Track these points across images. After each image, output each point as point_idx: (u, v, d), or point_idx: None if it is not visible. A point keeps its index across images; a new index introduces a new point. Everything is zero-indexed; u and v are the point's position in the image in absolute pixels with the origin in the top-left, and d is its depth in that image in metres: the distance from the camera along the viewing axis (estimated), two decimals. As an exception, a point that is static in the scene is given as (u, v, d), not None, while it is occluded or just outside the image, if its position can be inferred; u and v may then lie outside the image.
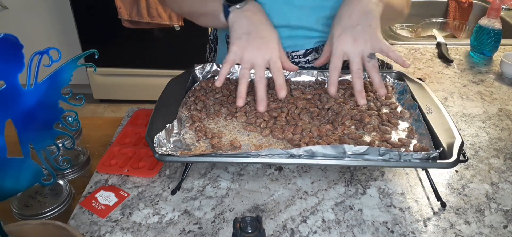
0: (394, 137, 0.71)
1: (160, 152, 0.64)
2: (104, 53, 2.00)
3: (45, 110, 0.54)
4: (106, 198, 0.68)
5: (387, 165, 0.63)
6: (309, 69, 0.89)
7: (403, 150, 0.67)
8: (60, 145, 0.59)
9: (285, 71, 0.88)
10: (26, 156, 0.53)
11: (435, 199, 0.68)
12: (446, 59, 1.18)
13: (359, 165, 0.63)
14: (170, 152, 0.65)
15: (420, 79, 0.84)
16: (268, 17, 0.80)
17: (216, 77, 0.89)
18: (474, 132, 0.87)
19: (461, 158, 0.63)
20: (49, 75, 0.53)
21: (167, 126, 0.69)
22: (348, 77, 0.87)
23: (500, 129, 0.88)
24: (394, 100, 0.81)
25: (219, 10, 0.80)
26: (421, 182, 0.72)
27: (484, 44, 1.20)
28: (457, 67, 1.16)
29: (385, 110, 0.78)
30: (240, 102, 0.72)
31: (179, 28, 2.25)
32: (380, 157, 0.63)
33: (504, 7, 1.59)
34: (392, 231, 0.63)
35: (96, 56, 0.58)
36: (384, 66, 0.97)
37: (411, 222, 0.65)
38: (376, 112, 0.76)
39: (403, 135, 0.71)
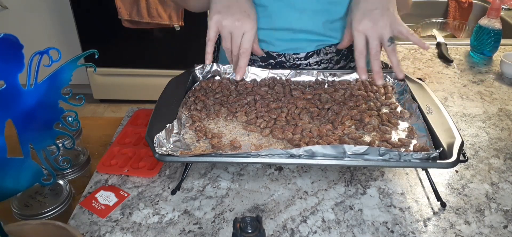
0: (394, 137, 0.71)
1: (160, 152, 0.64)
2: (104, 53, 2.00)
3: (45, 110, 0.54)
4: (106, 198, 0.68)
5: (387, 165, 0.63)
6: (309, 69, 0.89)
7: (403, 150, 0.67)
8: (60, 145, 0.59)
9: (285, 71, 0.88)
10: (26, 156, 0.53)
11: (435, 199, 0.68)
12: (446, 59, 1.18)
13: (359, 165, 0.63)
14: (170, 152, 0.65)
15: (420, 79, 0.84)
16: None
17: (216, 78, 0.89)
18: (474, 132, 0.87)
19: (461, 158, 0.63)
20: (49, 75, 0.53)
21: (167, 126, 0.69)
22: (348, 77, 0.87)
23: (500, 129, 0.88)
24: (394, 100, 0.81)
25: None
26: (421, 182, 0.72)
27: (484, 44, 1.20)
28: (457, 67, 1.16)
29: (385, 110, 0.78)
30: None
31: (179, 28, 2.25)
32: (380, 157, 0.63)
33: (504, 7, 1.59)
34: (392, 231, 0.63)
35: (96, 56, 0.58)
36: (386, 67, 0.96)
37: (411, 222, 0.65)
38: (376, 112, 0.76)
39: (403, 135, 0.71)
